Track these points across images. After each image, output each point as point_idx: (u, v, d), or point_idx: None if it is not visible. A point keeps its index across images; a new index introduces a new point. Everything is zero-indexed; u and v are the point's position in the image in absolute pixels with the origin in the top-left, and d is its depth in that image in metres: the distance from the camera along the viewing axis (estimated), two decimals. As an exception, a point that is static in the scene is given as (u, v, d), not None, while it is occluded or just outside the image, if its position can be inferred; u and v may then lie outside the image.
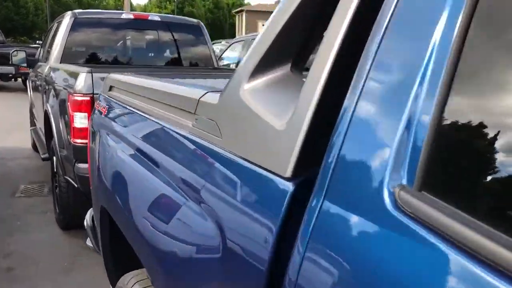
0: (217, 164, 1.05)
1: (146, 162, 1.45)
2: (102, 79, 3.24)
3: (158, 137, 1.44)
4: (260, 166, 0.87)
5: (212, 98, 1.15)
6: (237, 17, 44.98)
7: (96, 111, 2.19)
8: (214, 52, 5.42)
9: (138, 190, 1.47)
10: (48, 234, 3.99)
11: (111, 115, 1.95)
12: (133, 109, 1.72)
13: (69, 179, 3.57)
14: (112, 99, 2.01)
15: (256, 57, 0.99)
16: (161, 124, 1.41)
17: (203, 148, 1.12)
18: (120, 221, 1.65)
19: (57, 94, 3.84)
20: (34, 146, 6.31)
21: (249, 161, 0.91)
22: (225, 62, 7.27)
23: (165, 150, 1.36)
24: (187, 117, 1.25)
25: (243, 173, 0.93)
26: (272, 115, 0.88)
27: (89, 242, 2.43)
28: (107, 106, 2.02)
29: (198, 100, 1.20)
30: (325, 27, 1.00)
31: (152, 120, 1.49)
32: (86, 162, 3.34)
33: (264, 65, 0.99)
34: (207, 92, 1.21)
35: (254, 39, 4.80)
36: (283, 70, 1.00)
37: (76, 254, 3.59)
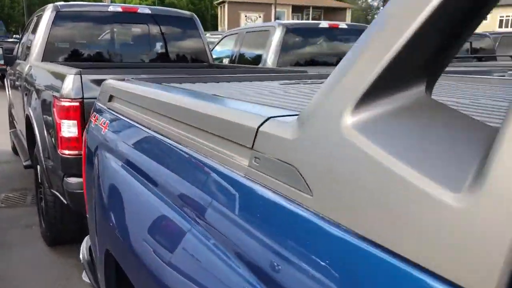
0: (305, 236, 0.69)
1: (172, 205, 1.09)
2: (93, 81, 2.86)
3: (189, 173, 1.08)
4: (413, 263, 0.53)
5: (281, 129, 0.80)
6: (219, 8, 44.26)
7: (93, 125, 1.81)
8: (209, 46, 5.03)
9: (163, 239, 1.12)
10: (34, 251, 3.60)
11: (115, 134, 1.58)
12: (148, 130, 1.36)
13: (56, 193, 3.18)
14: (115, 113, 1.64)
15: (367, 75, 0.64)
16: (193, 156, 1.05)
17: (274, 205, 0.77)
18: (133, 274, 1.29)
19: (40, 98, 3.42)
20: (15, 149, 5.86)
21: (383, 248, 0.57)
22: (214, 56, 6.86)
23: (200, 192, 1.00)
24: (239, 152, 0.90)
25: (372, 266, 0.58)
26: (425, 174, 0.53)
27: (85, 277, 2.07)
28: (108, 121, 1.65)
29: (257, 129, 0.85)
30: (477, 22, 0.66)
31: (178, 149, 1.14)
32: (76, 176, 2.96)
33: (382, 87, 0.64)
34: (268, 118, 0.86)
35: (248, 32, 4.42)
36: (415, 94, 0.65)
37: (68, 275, 3.21)
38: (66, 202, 3.02)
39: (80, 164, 2.92)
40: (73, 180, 2.90)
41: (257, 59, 5.68)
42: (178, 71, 3.44)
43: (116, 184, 1.48)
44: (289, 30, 5.51)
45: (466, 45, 7.54)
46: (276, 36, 5.48)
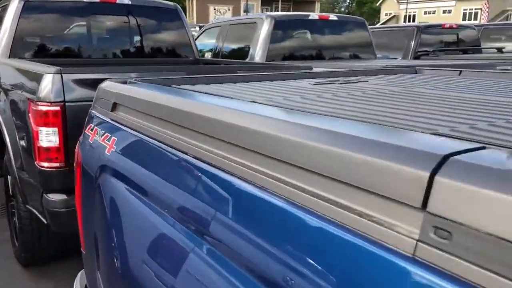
0: None
1: (217, 254, 0.75)
2: (76, 81, 2.45)
3: (258, 222, 0.73)
4: None
5: (498, 183, 0.46)
6: (187, 1, 43.39)
7: (90, 141, 1.43)
8: (194, 40, 4.63)
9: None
10: (5, 273, 3.16)
11: (128, 156, 1.21)
12: (179, 154, 1.00)
13: (33, 210, 2.75)
14: (123, 126, 1.27)
15: None
16: (271, 202, 0.70)
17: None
18: None
19: (10, 100, 2.98)
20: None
21: None
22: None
23: (285, 256, 0.65)
24: (385, 212, 0.55)
25: None
26: None
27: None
28: (115, 138, 1.27)
29: (432, 178, 0.51)
30: None
31: (236, 185, 0.79)
32: (57, 192, 2.55)
33: None
34: (448, 157, 0.51)
35: (233, 24, 4.06)
36: None
37: (48, 305, 2.80)
38: (46, 222, 2.60)
39: (63, 178, 2.52)
40: (54, 197, 2.49)
41: (244, 53, 5.31)
42: (168, 68, 3.05)
43: (134, 224, 1.12)
44: (278, 23, 5.16)
45: (453, 37, 7.36)
46: (264, 29, 5.12)
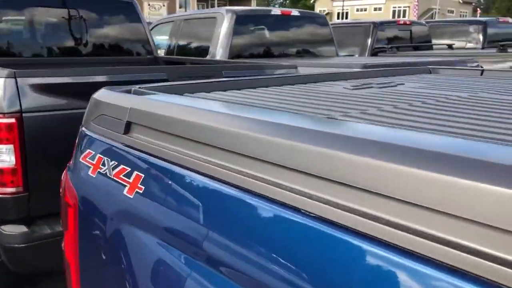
0: None
1: None
2: (34, 86, 2.00)
3: None
4: None
5: None
6: (119, -4, 41.80)
7: (93, 175, 1.04)
8: (152, 36, 4.18)
9: None
10: None
11: (164, 199, 0.84)
12: (250, 197, 0.67)
13: (-20, 244, 2.26)
14: (151, 157, 0.90)
15: None
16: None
17: None
18: None
19: None
20: None
21: None
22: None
23: None
24: None
25: None
26: None
27: None
28: (140, 174, 0.89)
29: None
30: None
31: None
32: (14, 223, 2.09)
33: None
34: None
35: (188, 19, 3.66)
36: None
37: None
38: (0, 260, 2.13)
39: (21, 206, 2.06)
40: (11, 229, 2.02)
41: (202, 51, 4.93)
42: (149, 69, 2.64)
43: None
44: (240, 18, 4.81)
45: (407, 34, 7.35)
46: (225, 25, 4.76)
